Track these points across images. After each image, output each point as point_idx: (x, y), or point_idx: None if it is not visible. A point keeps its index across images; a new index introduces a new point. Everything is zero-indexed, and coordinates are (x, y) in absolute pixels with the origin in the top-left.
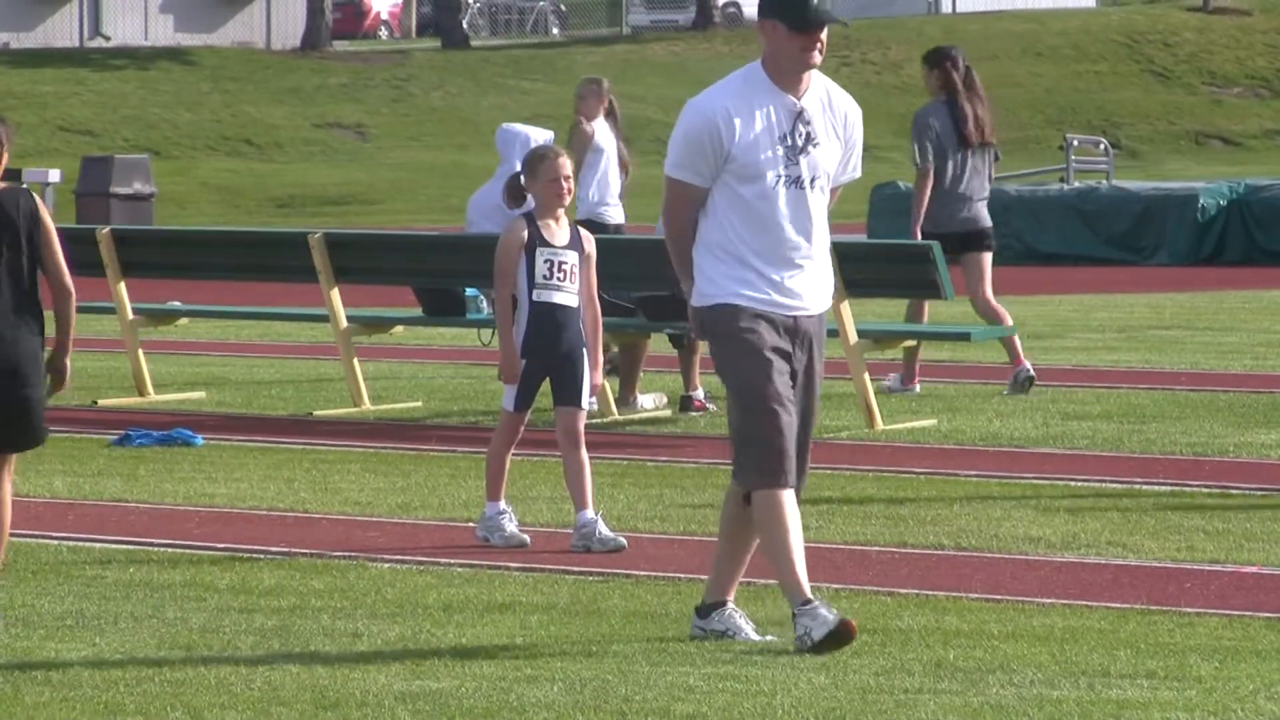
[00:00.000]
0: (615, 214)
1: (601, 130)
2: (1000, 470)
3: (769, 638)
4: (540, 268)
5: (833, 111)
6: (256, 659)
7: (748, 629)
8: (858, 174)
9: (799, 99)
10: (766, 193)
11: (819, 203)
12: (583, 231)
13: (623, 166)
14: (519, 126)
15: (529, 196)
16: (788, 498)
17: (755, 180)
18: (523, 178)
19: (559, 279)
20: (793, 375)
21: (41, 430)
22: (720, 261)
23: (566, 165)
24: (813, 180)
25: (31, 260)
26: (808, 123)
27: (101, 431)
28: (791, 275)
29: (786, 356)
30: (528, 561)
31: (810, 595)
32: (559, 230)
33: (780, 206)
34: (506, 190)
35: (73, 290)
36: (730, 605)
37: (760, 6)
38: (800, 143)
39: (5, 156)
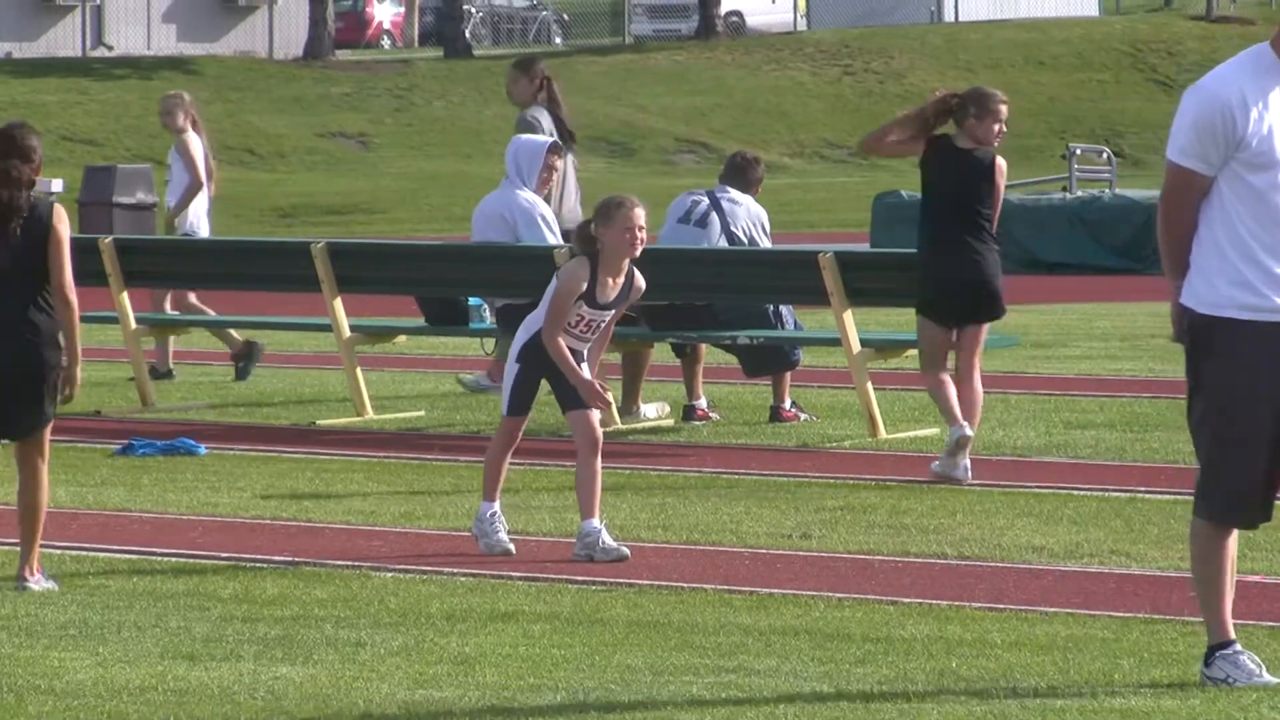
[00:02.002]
0: (204, 227)
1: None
2: (1003, 479)
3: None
4: (572, 316)
5: None
6: (260, 668)
7: (1254, 668)
8: None
9: None
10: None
11: None
12: (638, 279)
13: (210, 177)
14: (524, 137)
15: (599, 243)
16: (1230, 537)
17: (1269, 170)
18: (593, 225)
19: (582, 331)
20: None
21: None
22: (1224, 260)
23: (641, 215)
24: None
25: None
26: None
27: (105, 441)
28: None
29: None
30: (531, 571)
31: (1232, 636)
32: (615, 288)
33: None
34: (577, 237)
35: (73, 302)
36: (1235, 645)
37: None
38: None
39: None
